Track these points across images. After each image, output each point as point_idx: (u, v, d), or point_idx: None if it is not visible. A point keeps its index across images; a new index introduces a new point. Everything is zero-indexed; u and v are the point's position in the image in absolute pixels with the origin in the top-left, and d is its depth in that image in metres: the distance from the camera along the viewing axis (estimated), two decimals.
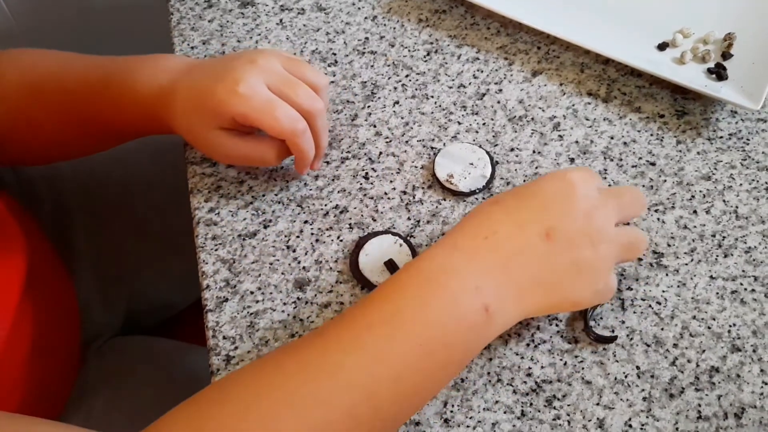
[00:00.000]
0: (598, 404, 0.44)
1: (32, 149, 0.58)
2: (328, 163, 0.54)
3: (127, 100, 0.50)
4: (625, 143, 0.55)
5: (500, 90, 0.58)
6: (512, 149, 0.54)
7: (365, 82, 0.59)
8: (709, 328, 0.46)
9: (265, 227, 0.51)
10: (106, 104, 0.51)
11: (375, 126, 0.56)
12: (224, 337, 0.47)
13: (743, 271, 0.48)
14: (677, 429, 0.43)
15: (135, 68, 0.51)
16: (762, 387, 0.44)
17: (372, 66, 0.60)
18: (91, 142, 0.57)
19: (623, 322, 0.47)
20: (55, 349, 0.60)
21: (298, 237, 0.50)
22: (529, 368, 0.45)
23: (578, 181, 0.42)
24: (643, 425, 0.43)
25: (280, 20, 0.63)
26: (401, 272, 0.41)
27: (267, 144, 0.49)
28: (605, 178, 0.53)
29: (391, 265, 0.48)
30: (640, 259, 0.49)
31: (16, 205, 0.64)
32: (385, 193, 0.53)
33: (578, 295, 0.42)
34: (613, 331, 0.46)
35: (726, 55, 0.57)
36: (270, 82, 0.47)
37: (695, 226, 0.50)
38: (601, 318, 0.47)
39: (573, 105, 0.57)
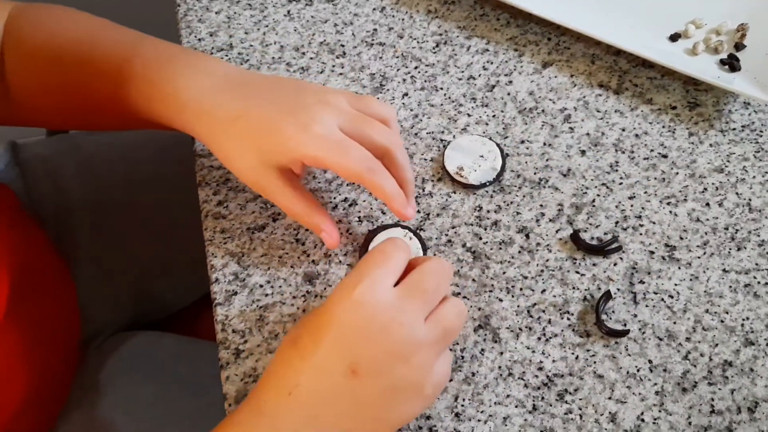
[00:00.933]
0: (610, 398, 0.43)
1: (46, 113, 0.54)
2: None
3: (158, 94, 0.46)
4: (636, 135, 0.54)
5: (510, 82, 0.57)
6: (522, 141, 0.54)
7: (374, 74, 0.58)
8: (722, 321, 0.46)
9: (274, 220, 0.51)
10: (136, 94, 0.47)
11: None
12: (233, 331, 0.46)
13: (756, 264, 0.48)
14: (690, 423, 0.42)
15: (173, 61, 0.47)
16: None
17: (381, 58, 0.59)
18: (108, 120, 0.54)
19: (635, 315, 0.46)
20: (53, 345, 0.60)
21: (307, 230, 0.50)
22: (541, 362, 0.45)
23: (366, 295, 0.38)
24: (655, 419, 0.43)
25: (288, 11, 0.62)
26: None
27: (316, 210, 0.46)
28: (616, 170, 0.52)
29: None
30: (652, 252, 0.49)
31: (10, 198, 0.64)
32: None
33: (406, 414, 0.40)
34: (625, 325, 0.46)
35: (739, 46, 0.56)
36: (342, 122, 0.44)
37: (708, 219, 0.50)
38: (613, 312, 0.46)
39: (584, 97, 0.56)
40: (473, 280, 0.48)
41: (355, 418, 0.38)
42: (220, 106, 0.45)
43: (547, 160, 0.53)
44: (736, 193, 0.51)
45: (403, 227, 0.50)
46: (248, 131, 0.44)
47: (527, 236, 0.50)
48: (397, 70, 0.58)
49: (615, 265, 0.48)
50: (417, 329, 0.39)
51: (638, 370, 0.44)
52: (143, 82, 0.47)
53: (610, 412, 0.43)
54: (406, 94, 0.57)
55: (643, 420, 0.43)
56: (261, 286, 0.48)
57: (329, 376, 0.38)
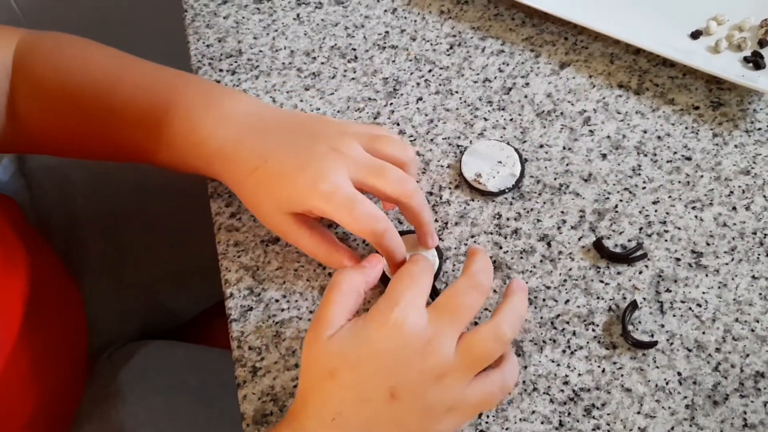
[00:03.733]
0: (639, 413, 0.42)
1: (60, 147, 0.55)
2: None
3: (183, 143, 0.47)
4: (659, 137, 0.52)
5: (527, 84, 0.56)
6: (541, 146, 0.52)
7: (387, 78, 0.57)
8: (752, 330, 0.44)
9: None
10: (157, 141, 0.48)
11: (398, 124, 0.54)
12: (250, 348, 0.45)
13: None
14: None
15: (195, 108, 0.47)
16: None
17: (393, 61, 0.58)
18: (127, 159, 0.54)
19: (662, 326, 0.45)
20: (62, 358, 0.59)
21: None
22: (566, 376, 0.43)
23: (402, 319, 0.38)
24: None
25: (297, 15, 0.61)
26: None
27: (335, 248, 0.46)
28: (639, 174, 0.51)
29: None
30: (678, 259, 0.47)
31: (16, 212, 0.63)
32: None
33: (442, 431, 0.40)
34: (652, 336, 0.44)
35: (763, 43, 0.54)
36: (354, 173, 0.44)
37: (735, 224, 0.48)
38: (640, 322, 0.45)
39: (603, 98, 0.55)
40: (494, 291, 0.47)
41: None
42: (240, 156, 0.46)
43: (567, 164, 0.51)
44: (764, 196, 0.49)
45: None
46: (264, 182, 0.45)
47: (549, 244, 0.48)
48: (411, 73, 0.57)
49: (640, 273, 0.47)
50: (447, 351, 0.39)
51: (667, 383, 0.43)
52: (167, 133, 0.47)
53: (639, 428, 0.42)
54: (420, 99, 0.55)
55: None
56: (277, 300, 0.47)
57: (371, 404, 0.38)
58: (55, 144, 0.53)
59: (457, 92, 0.56)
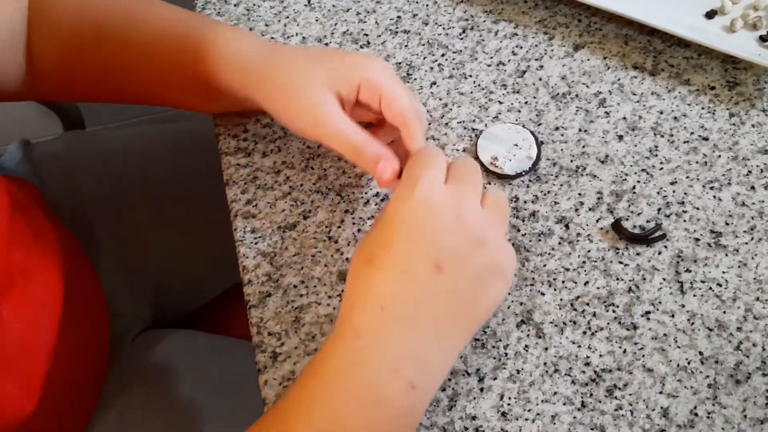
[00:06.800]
0: (661, 392, 0.42)
1: (76, 88, 0.55)
2: None
3: (226, 61, 0.47)
4: (675, 118, 0.52)
5: (541, 66, 0.55)
6: (557, 128, 0.52)
7: (400, 63, 0.56)
8: None
9: (305, 218, 0.49)
10: (202, 65, 0.47)
11: None
12: (269, 333, 0.45)
13: None
14: (745, 416, 0.41)
15: (221, 28, 0.48)
16: None
17: (406, 46, 0.57)
18: (151, 90, 0.53)
19: (683, 306, 0.45)
20: (85, 343, 0.59)
21: (339, 227, 0.49)
22: (587, 357, 0.43)
23: (426, 194, 0.38)
24: (709, 413, 0.41)
25: (308, 1, 0.60)
26: (306, 377, 0.38)
27: (374, 141, 0.43)
28: (656, 155, 0.50)
29: None
30: (697, 239, 0.47)
31: (41, 199, 0.63)
32: None
33: (495, 299, 0.40)
34: (673, 316, 0.44)
35: None
36: None
37: (754, 203, 0.48)
38: (660, 302, 0.45)
39: (618, 79, 0.54)
40: (513, 274, 0.46)
41: (450, 312, 0.38)
42: (281, 47, 0.47)
43: (583, 146, 0.51)
44: None
45: None
46: (317, 54, 0.46)
47: (567, 226, 0.48)
48: (424, 58, 0.56)
49: (659, 253, 0.47)
50: (481, 213, 0.40)
51: (689, 363, 0.43)
52: (199, 51, 0.47)
53: (661, 407, 0.42)
54: (434, 83, 0.55)
55: (696, 414, 0.41)
56: (295, 286, 0.47)
57: (415, 279, 0.37)
58: (72, 85, 0.53)
59: (470, 76, 0.55)
